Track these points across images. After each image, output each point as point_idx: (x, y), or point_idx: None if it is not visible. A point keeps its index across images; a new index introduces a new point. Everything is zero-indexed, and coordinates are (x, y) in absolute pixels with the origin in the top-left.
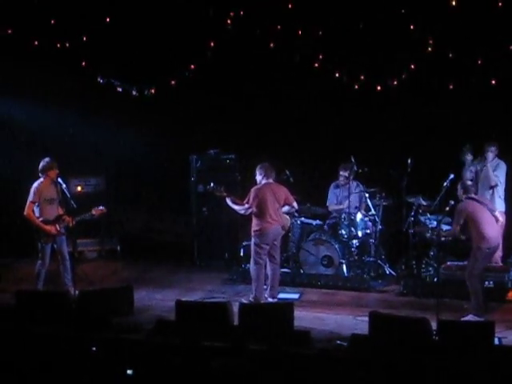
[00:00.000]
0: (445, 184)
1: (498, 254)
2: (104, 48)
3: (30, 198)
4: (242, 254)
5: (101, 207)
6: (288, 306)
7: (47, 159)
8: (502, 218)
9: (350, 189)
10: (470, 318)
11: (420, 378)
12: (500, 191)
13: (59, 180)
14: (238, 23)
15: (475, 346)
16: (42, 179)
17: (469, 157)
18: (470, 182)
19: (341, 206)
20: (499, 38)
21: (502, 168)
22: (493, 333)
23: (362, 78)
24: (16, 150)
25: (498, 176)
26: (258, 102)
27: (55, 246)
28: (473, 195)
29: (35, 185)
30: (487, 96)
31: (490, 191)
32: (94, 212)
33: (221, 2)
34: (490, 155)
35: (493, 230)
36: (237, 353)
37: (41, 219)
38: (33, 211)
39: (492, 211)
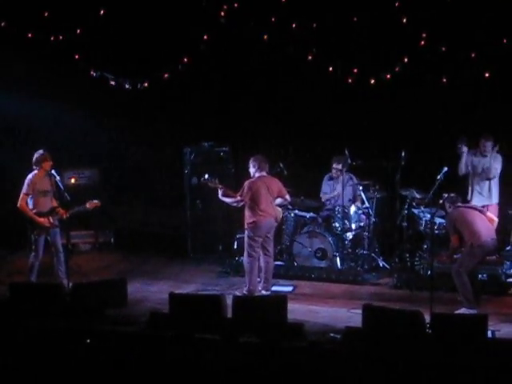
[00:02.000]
0: (438, 177)
1: None
2: (97, 41)
3: (24, 189)
4: (235, 246)
5: (95, 200)
6: (281, 298)
7: (41, 151)
8: (495, 216)
9: (343, 181)
10: (463, 311)
11: (413, 370)
12: (497, 183)
13: (53, 172)
14: (232, 16)
15: (468, 338)
16: (35, 171)
17: (464, 149)
18: (452, 194)
19: (334, 193)
20: (493, 31)
21: (499, 160)
22: (486, 326)
23: (356, 71)
24: (9, 142)
25: (497, 168)
26: (251, 94)
27: (49, 238)
28: (459, 204)
29: (29, 177)
30: (480, 89)
31: (488, 183)
32: (88, 205)
33: None
34: (488, 149)
35: (484, 226)
36: (230, 345)
37: (34, 211)
38: (26, 203)
39: (483, 212)
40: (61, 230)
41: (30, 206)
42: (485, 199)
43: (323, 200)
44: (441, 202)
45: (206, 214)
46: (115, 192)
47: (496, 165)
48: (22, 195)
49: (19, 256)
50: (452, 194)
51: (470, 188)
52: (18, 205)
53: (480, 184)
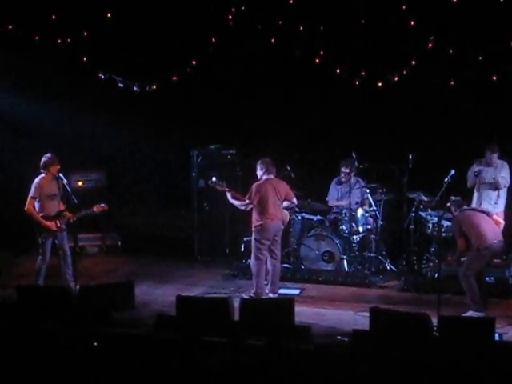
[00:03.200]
0: (446, 180)
1: None
2: (105, 44)
3: (31, 193)
4: (242, 249)
5: (102, 204)
6: (289, 301)
7: (48, 155)
8: (501, 220)
9: (350, 185)
10: (470, 313)
11: (420, 373)
12: (505, 191)
13: (60, 175)
14: (240, 19)
15: (476, 341)
16: (43, 175)
17: (476, 168)
18: (458, 198)
19: (341, 203)
20: (500, 33)
21: (507, 168)
22: (493, 328)
23: (363, 73)
24: (17, 145)
25: (505, 177)
26: (259, 97)
27: (56, 241)
28: (465, 207)
29: (36, 180)
30: (488, 92)
31: (497, 192)
32: (95, 209)
33: None
34: (494, 158)
35: (490, 228)
36: (237, 348)
37: (41, 214)
38: (34, 207)
39: (489, 215)
40: (68, 233)
41: (38, 210)
42: (492, 207)
43: (330, 205)
44: (448, 205)
45: (213, 216)
46: (122, 195)
47: (503, 174)
48: (29, 199)
49: (26, 259)
50: (458, 198)
51: (476, 196)
52: (26, 208)
53: (489, 193)
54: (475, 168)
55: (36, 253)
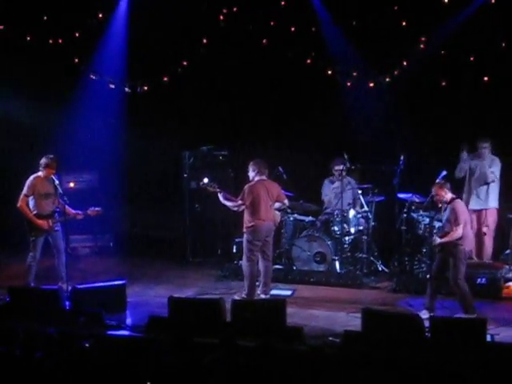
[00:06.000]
0: (437, 181)
1: (489, 250)
2: (97, 44)
3: (24, 191)
4: (234, 250)
5: (97, 208)
6: (280, 302)
7: (52, 156)
8: (494, 220)
9: (342, 185)
10: (462, 314)
11: (412, 374)
12: (495, 187)
13: (52, 176)
14: (231, 20)
15: (467, 343)
16: (39, 173)
17: (465, 155)
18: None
19: (335, 202)
20: (491, 34)
21: (497, 164)
22: (485, 330)
23: (355, 74)
24: (9, 145)
25: (495, 172)
26: (250, 98)
27: (50, 239)
28: (453, 195)
29: (30, 178)
30: (479, 93)
31: (485, 187)
32: (89, 212)
33: None
34: (485, 152)
35: (470, 233)
36: (229, 349)
37: (35, 213)
38: (26, 204)
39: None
40: (63, 233)
41: (31, 208)
42: (482, 203)
43: (325, 202)
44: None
45: (204, 217)
46: (114, 196)
47: (493, 168)
48: (22, 196)
49: (19, 260)
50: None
51: (467, 191)
52: (18, 205)
53: (478, 188)
54: (464, 155)
55: (28, 253)
